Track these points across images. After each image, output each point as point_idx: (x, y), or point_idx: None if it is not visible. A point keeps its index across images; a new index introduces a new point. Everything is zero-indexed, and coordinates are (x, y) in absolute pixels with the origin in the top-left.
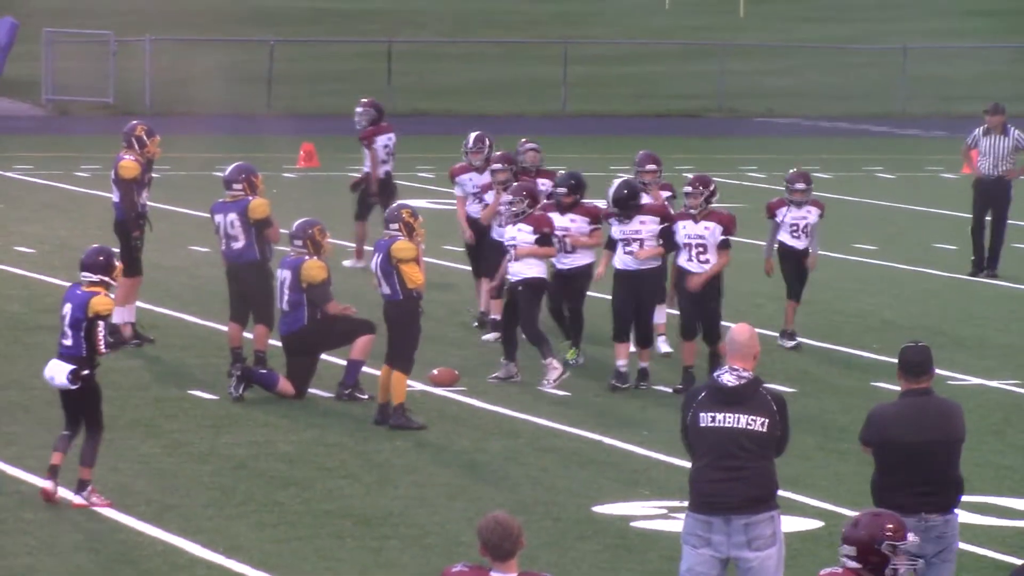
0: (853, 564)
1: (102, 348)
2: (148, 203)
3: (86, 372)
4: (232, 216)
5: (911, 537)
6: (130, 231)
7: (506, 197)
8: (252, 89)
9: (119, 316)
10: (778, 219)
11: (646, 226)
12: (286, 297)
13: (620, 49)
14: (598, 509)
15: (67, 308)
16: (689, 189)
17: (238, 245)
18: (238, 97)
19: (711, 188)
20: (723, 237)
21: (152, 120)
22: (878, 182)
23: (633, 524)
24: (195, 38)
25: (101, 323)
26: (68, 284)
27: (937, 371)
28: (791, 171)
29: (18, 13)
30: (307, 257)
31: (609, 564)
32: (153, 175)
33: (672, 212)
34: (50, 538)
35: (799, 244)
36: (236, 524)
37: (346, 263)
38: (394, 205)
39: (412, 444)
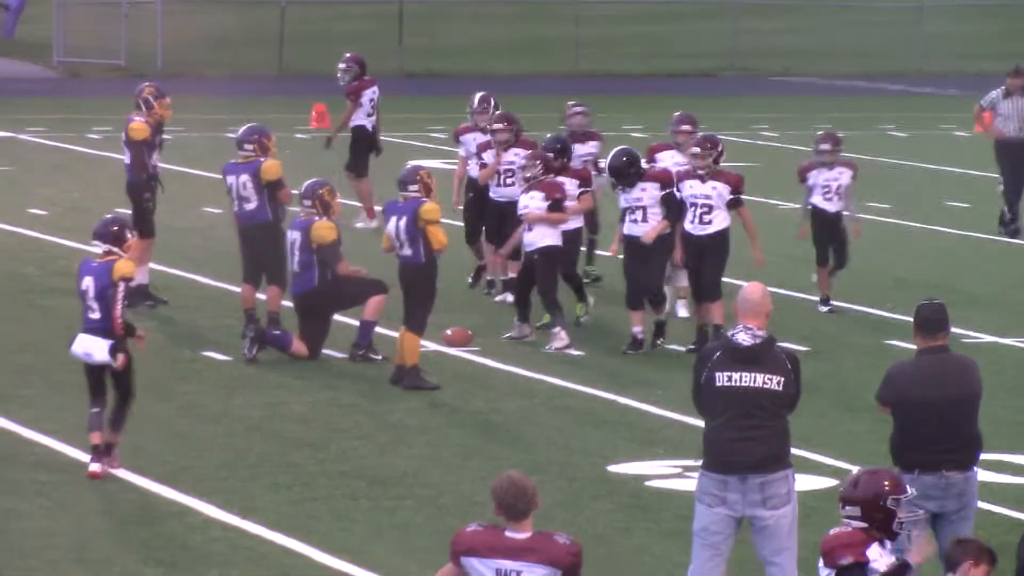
0: (858, 523)
1: (119, 312)
2: (160, 164)
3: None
4: (244, 177)
5: (910, 490)
6: (141, 193)
7: (508, 157)
8: (264, 50)
9: (145, 276)
10: (809, 182)
11: (647, 193)
12: (296, 258)
13: (632, 8)
14: (613, 468)
15: (87, 282)
16: (697, 150)
17: (250, 206)
18: (250, 58)
19: (719, 148)
20: (732, 196)
21: (164, 82)
22: (891, 140)
23: (648, 483)
24: None
25: (122, 286)
26: (81, 246)
27: (951, 328)
28: (819, 132)
29: None
30: (317, 218)
31: (623, 523)
32: (165, 137)
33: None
34: (66, 500)
35: (831, 207)
36: (250, 485)
37: (358, 224)
38: (410, 166)
39: (426, 404)
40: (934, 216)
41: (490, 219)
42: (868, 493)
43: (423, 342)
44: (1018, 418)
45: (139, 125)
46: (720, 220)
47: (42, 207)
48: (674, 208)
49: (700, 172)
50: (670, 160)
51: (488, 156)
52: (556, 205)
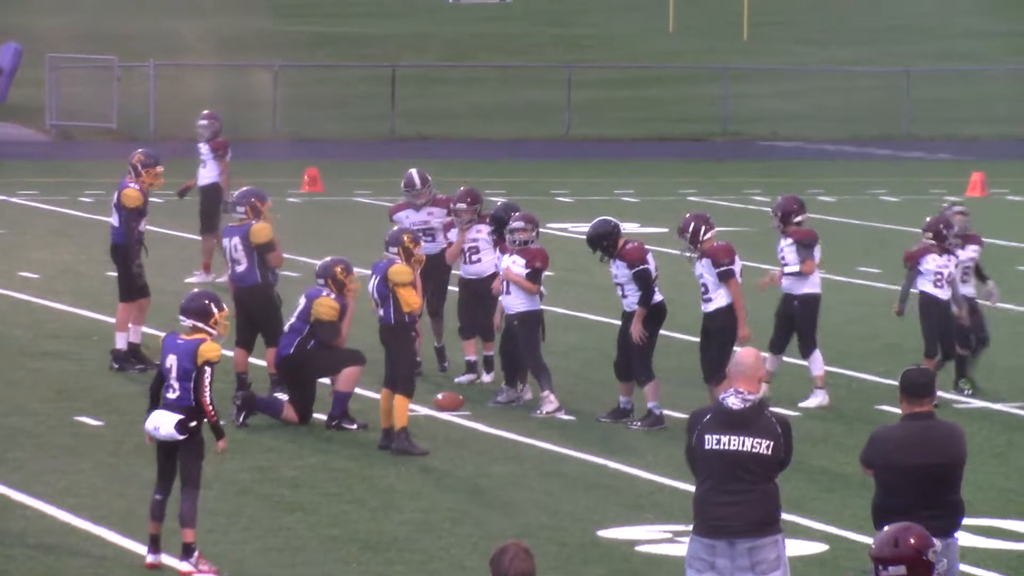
0: None
1: (207, 395)
2: (147, 228)
3: (194, 423)
4: (236, 239)
5: (936, 543)
6: (131, 257)
7: (471, 235)
8: (256, 114)
9: (122, 341)
10: (921, 267)
11: (620, 271)
12: (290, 321)
13: (624, 73)
14: (603, 533)
15: (171, 360)
16: (677, 236)
17: (241, 269)
18: (242, 122)
19: (690, 229)
20: (719, 269)
21: (155, 145)
22: (882, 205)
23: (638, 548)
24: (198, 63)
25: (208, 370)
26: (72, 310)
27: (942, 394)
28: (928, 218)
29: (22, 39)
30: (325, 292)
31: None
32: (154, 200)
33: (648, 257)
34: (55, 564)
35: (943, 294)
36: (241, 549)
37: (192, 279)
38: (395, 228)
39: (417, 469)
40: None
41: (461, 298)
42: (911, 550)
43: (414, 406)
44: (1007, 484)
45: (133, 193)
46: (720, 298)
47: (34, 270)
48: (645, 288)
49: (688, 255)
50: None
51: (452, 235)
52: (535, 274)
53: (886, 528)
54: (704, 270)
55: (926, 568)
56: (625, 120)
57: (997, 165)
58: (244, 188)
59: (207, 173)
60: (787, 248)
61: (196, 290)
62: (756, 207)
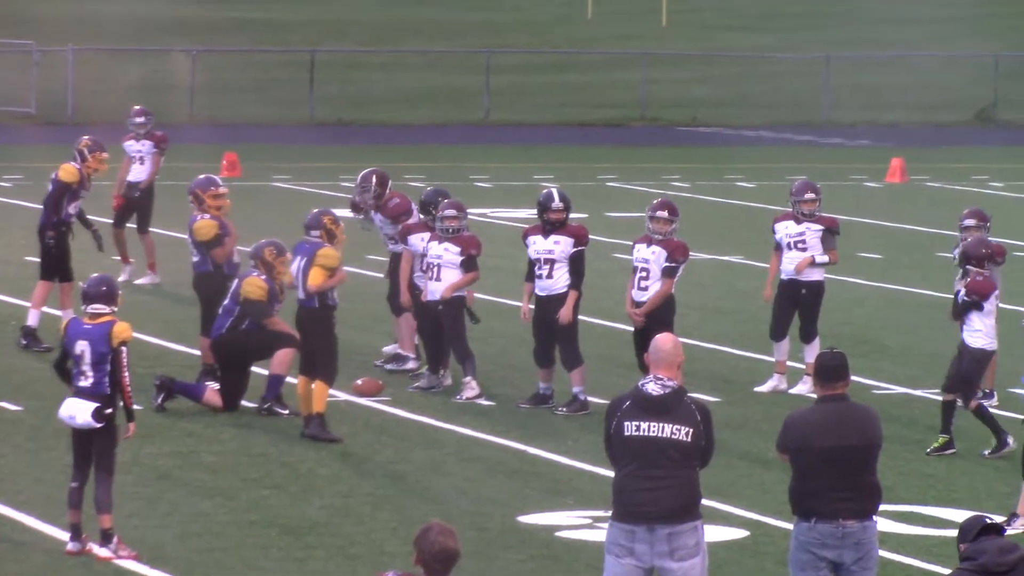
0: None
1: (126, 377)
2: (74, 213)
3: (109, 410)
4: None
5: None
6: (45, 231)
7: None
8: (174, 99)
9: (34, 319)
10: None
11: (560, 247)
12: (224, 302)
13: (543, 58)
14: (523, 519)
15: (82, 346)
16: (664, 214)
17: (195, 259)
18: (161, 106)
19: (678, 212)
20: (668, 264)
21: (75, 130)
22: None
23: (558, 534)
24: (117, 48)
25: (124, 350)
26: None
27: (862, 380)
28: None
29: None
30: (254, 273)
31: (534, 574)
32: (86, 190)
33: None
34: None
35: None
36: (161, 534)
37: (143, 280)
38: (316, 211)
39: (336, 454)
40: (846, 267)
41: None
42: None
43: (334, 392)
44: (927, 470)
45: (71, 168)
46: (656, 287)
47: None
48: (579, 270)
49: (656, 237)
50: (783, 231)
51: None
52: (470, 262)
53: None
54: (653, 258)
55: None
56: (544, 105)
57: (917, 151)
58: (200, 176)
59: (144, 169)
60: (811, 235)
61: (96, 275)
62: (675, 192)
